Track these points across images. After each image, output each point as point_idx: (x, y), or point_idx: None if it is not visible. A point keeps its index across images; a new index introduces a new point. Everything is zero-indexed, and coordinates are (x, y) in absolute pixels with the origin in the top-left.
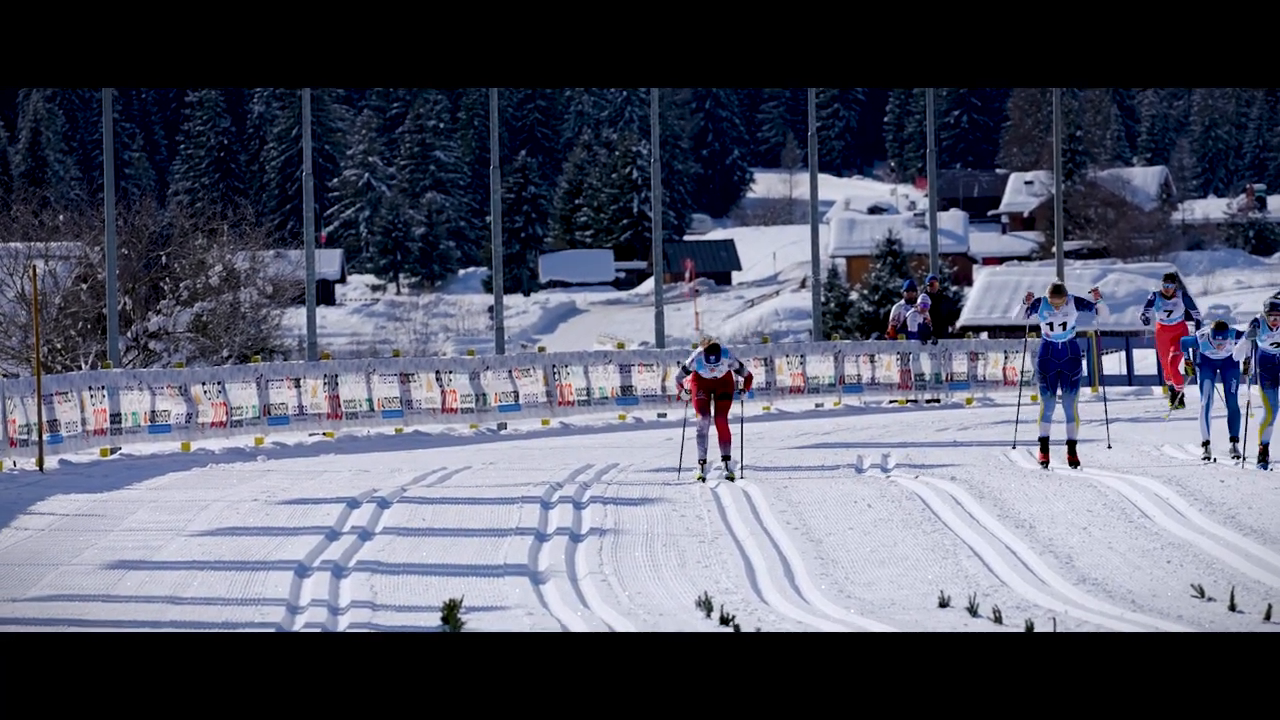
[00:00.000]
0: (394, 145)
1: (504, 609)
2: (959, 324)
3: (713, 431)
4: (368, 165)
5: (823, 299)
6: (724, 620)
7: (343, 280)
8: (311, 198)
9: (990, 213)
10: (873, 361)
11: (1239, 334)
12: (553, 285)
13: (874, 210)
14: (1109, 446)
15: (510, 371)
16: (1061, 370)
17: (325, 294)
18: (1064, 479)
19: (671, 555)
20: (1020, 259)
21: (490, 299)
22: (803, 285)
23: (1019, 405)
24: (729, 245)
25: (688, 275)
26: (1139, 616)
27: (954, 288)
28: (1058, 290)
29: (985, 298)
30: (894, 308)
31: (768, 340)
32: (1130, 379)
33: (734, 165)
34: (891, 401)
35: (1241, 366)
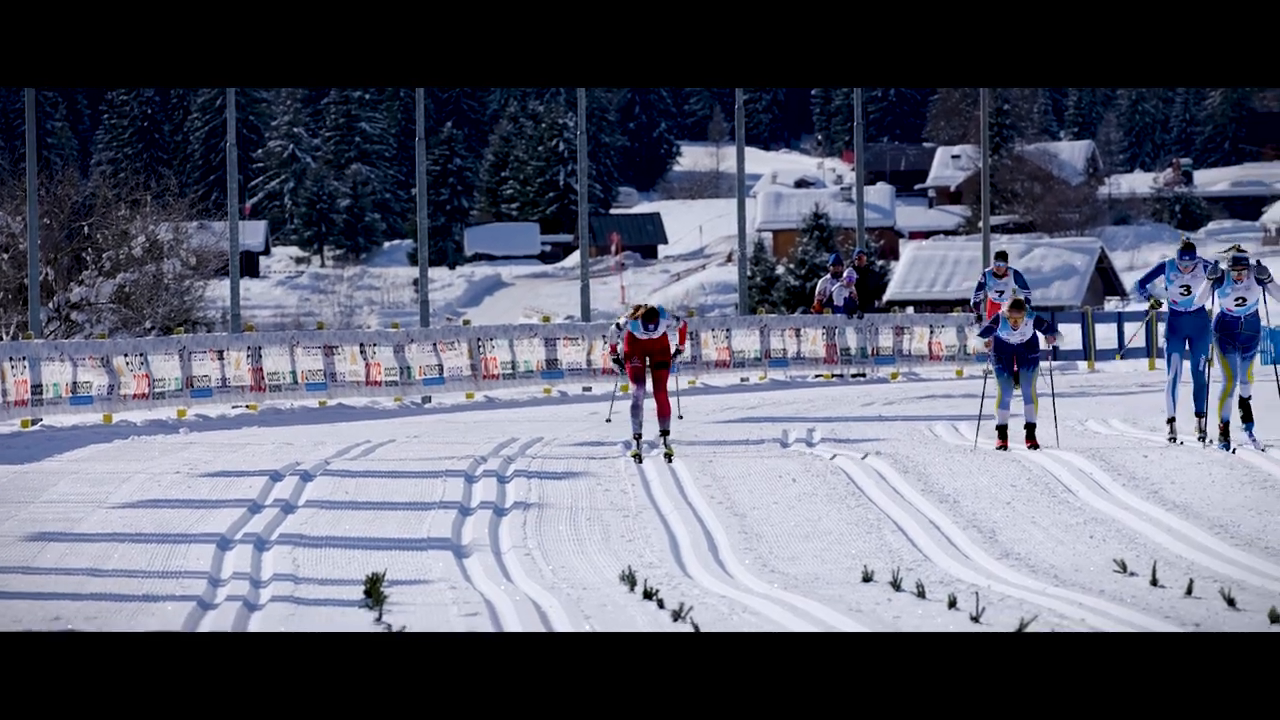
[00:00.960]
0: (319, 117)
1: (427, 583)
2: (885, 298)
3: (650, 404)
4: (292, 137)
5: (749, 273)
6: (648, 595)
7: (267, 252)
8: (236, 169)
9: (917, 187)
10: (799, 336)
11: (1208, 263)
12: (478, 258)
13: (801, 184)
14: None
15: (435, 345)
16: (1017, 353)
17: (249, 266)
18: (987, 455)
19: (595, 529)
20: (947, 233)
21: (415, 272)
22: (729, 259)
23: (982, 396)
24: (655, 219)
25: (614, 249)
26: (1061, 591)
27: (881, 262)
28: (1016, 306)
29: (912, 272)
30: (820, 282)
31: (694, 314)
32: (1054, 354)
33: (660, 138)
34: (817, 376)
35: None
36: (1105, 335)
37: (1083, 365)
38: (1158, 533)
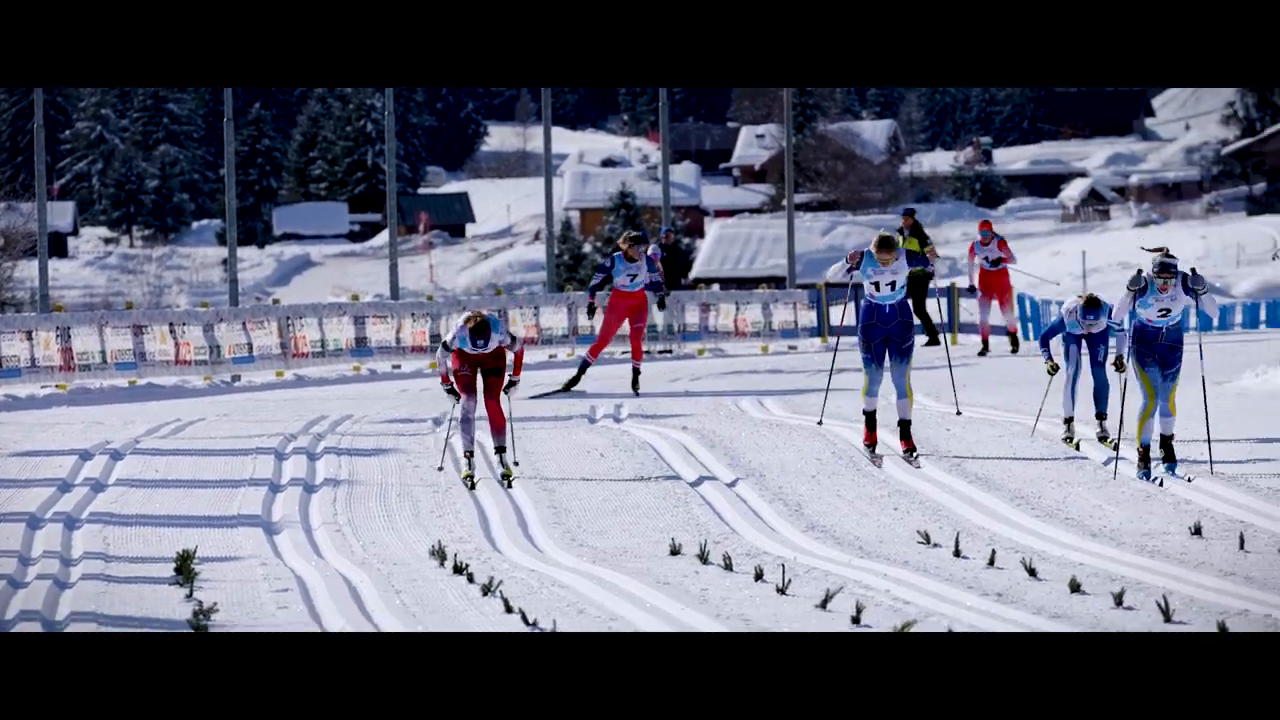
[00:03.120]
0: (126, 98)
1: (238, 559)
2: (692, 276)
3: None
4: (100, 118)
5: (556, 251)
6: (458, 569)
7: (75, 233)
8: (43, 150)
9: (722, 166)
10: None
11: (1112, 325)
12: (287, 238)
13: (607, 163)
14: (958, 413)
15: (244, 324)
16: (889, 337)
17: (57, 246)
18: (793, 428)
19: (405, 505)
20: (752, 211)
21: (224, 251)
22: (536, 238)
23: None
24: (463, 198)
25: (422, 228)
26: (866, 562)
27: (686, 240)
28: (885, 243)
29: (717, 250)
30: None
31: (501, 292)
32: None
33: (468, 118)
34: (624, 352)
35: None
36: None
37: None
38: (960, 505)
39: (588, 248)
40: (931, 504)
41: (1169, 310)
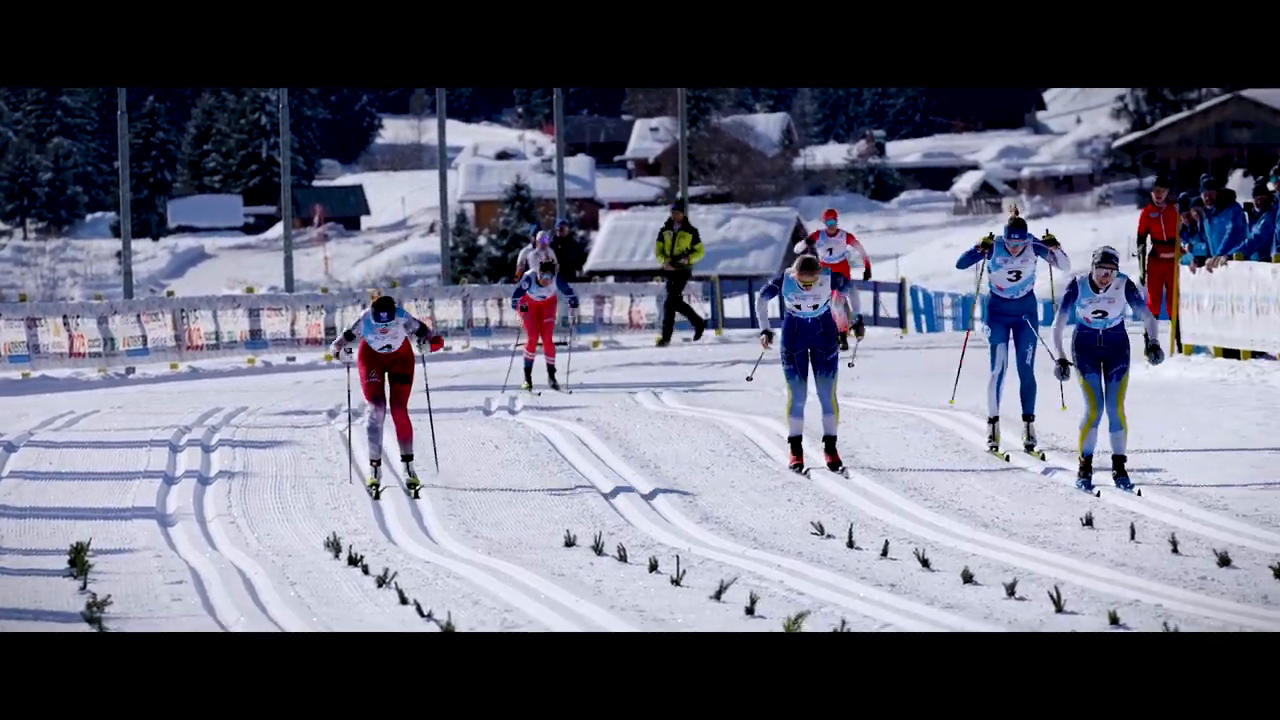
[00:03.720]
0: (19, 90)
1: (132, 551)
2: (586, 268)
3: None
4: None
5: (451, 244)
6: (353, 561)
7: None
8: None
9: (616, 158)
10: (500, 305)
11: (1040, 244)
12: (181, 230)
13: (502, 156)
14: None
15: (138, 316)
16: (813, 348)
17: None
18: (687, 420)
19: (300, 497)
20: (646, 204)
21: (118, 244)
22: (431, 230)
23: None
24: (358, 191)
25: (316, 220)
26: (761, 553)
27: (581, 232)
28: (808, 266)
29: (612, 242)
30: (522, 253)
31: (397, 284)
32: (753, 322)
33: (363, 111)
34: (520, 344)
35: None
36: None
37: (779, 333)
38: (854, 496)
39: (483, 240)
40: (825, 495)
41: (1105, 312)
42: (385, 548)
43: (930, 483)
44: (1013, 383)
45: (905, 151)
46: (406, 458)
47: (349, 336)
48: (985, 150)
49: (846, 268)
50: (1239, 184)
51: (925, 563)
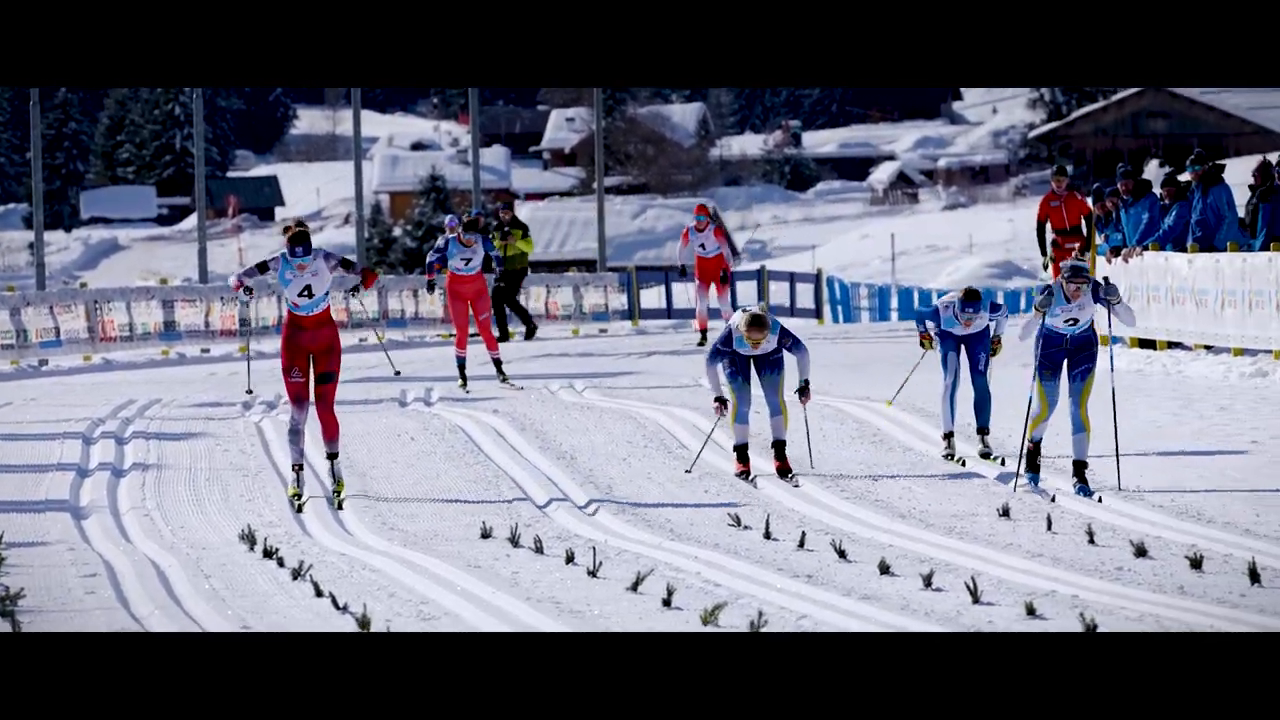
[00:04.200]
0: None
1: (45, 544)
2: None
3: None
4: None
5: (366, 235)
6: (268, 554)
7: None
8: None
9: (532, 149)
10: (416, 297)
11: (996, 306)
12: (95, 221)
13: (417, 146)
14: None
15: (51, 308)
16: (754, 356)
17: None
18: (604, 411)
19: (215, 489)
20: (562, 194)
21: (31, 235)
22: (346, 221)
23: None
24: (273, 181)
25: (231, 211)
26: (678, 545)
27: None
28: (756, 323)
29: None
30: (438, 242)
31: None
32: (669, 313)
33: (277, 102)
34: (436, 336)
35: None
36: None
37: (694, 323)
38: (770, 487)
39: (398, 231)
40: (742, 487)
41: (1077, 320)
42: (300, 540)
43: (847, 474)
44: (966, 394)
45: (821, 142)
46: (331, 456)
47: (260, 267)
48: (901, 140)
49: (724, 260)
50: (1155, 174)
51: (842, 554)
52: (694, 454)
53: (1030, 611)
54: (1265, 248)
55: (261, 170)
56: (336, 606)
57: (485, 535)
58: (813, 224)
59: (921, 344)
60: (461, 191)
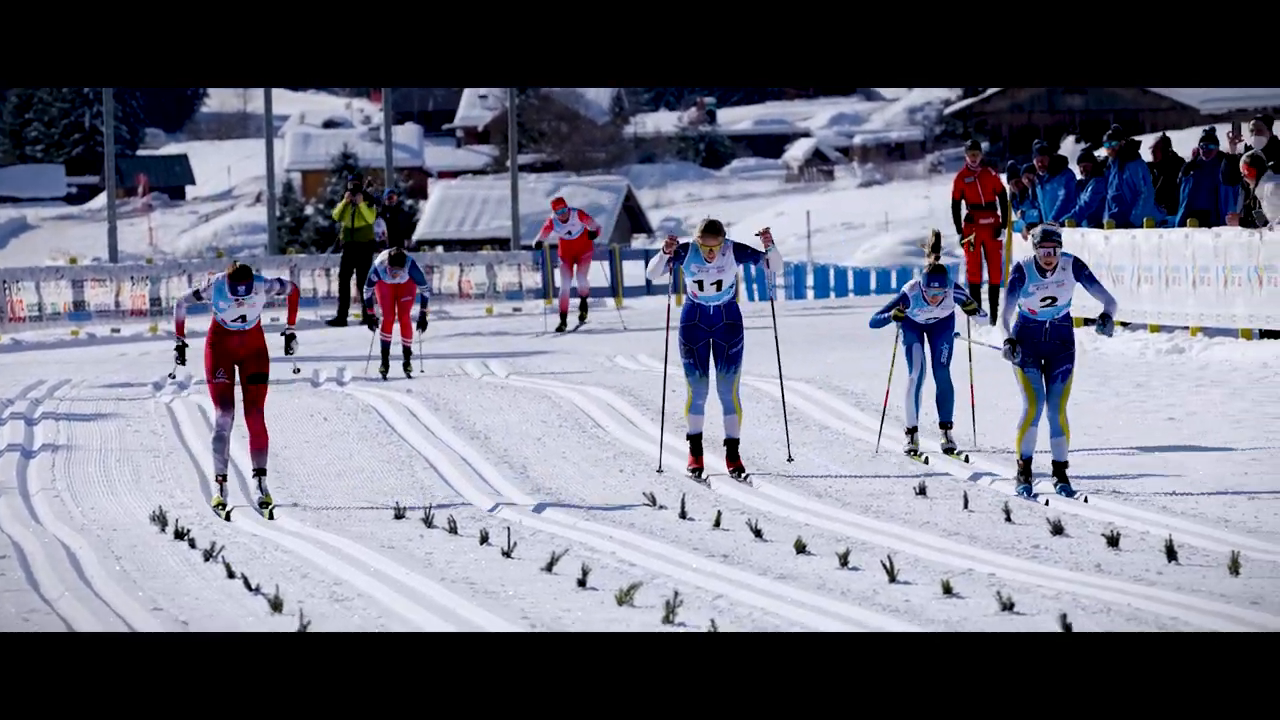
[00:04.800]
0: None
1: None
2: (415, 238)
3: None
4: None
5: (278, 213)
6: (179, 535)
7: None
8: None
9: (445, 127)
10: (328, 275)
11: (959, 293)
12: (3, 201)
13: (329, 125)
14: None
15: None
16: (715, 340)
17: None
18: (518, 390)
19: (125, 470)
20: (476, 173)
21: None
22: (258, 200)
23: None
24: (183, 160)
25: (141, 190)
26: (593, 525)
27: (410, 201)
28: (712, 228)
29: (441, 211)
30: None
31: (222, 254)
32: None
33: None
34: (352, 315)
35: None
36: (633, 272)
37: (610, 302)
38: (685, 466)
39: (310, 210)
40: (656, 465)
41: (1055, 299)
42: (212, 521)
43: (763, 453)
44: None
45: (736, 119)
46: (259, 472)
47: (196, 296)
48: (817, 117)
49: (587, 239)
50: (1072, 150)
51: (758, 533)
52: (657, 455)
53: (947, 590)
54: (1183, 224)
55: (172, 149)
56: (249, 588)
57: (399, 516)
58: (728, 201)
59: (896, 318)
60: (374, 169)
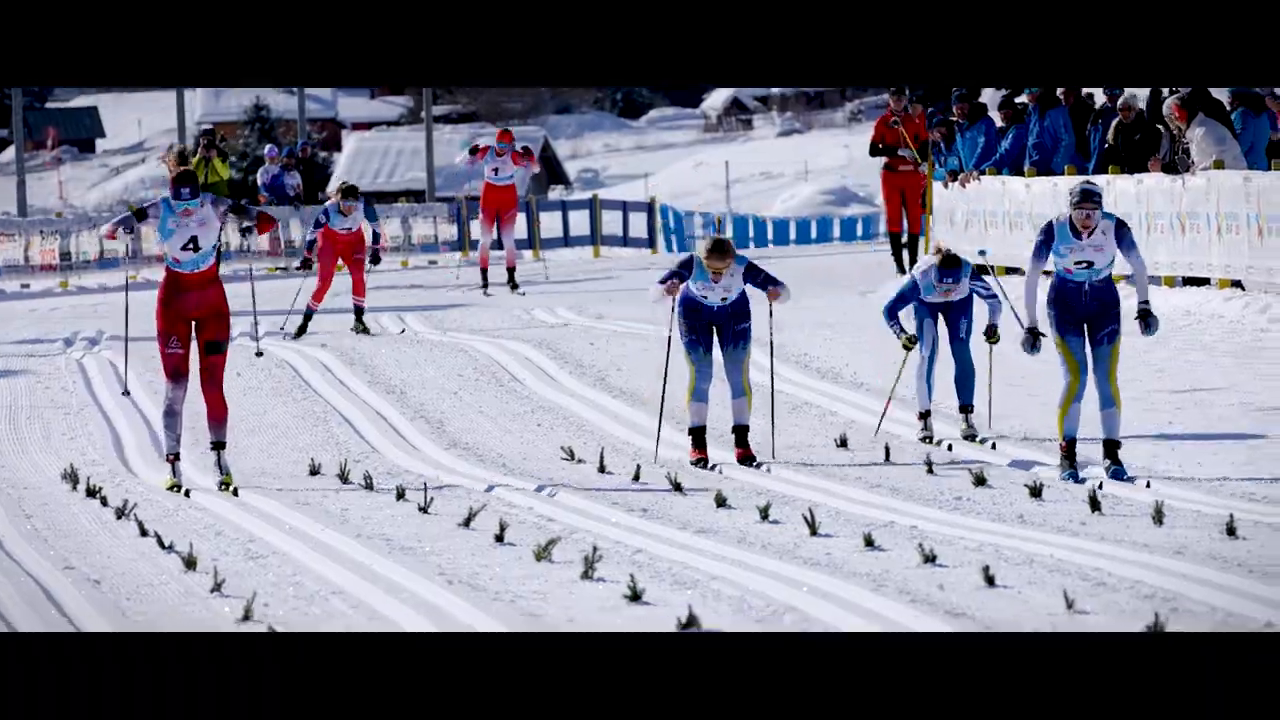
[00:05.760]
0: None
1: None
2: (329, 190)
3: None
4: None
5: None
6: (90, 492)
7: None
8: None
9: None
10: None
11: (990, 294)
12: None
13: None
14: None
15: None
16: (716, 322)
17: None
18: (434, 344)
19: (36, 428)
20: (390, 124)
21: None
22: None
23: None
24: (93, 112)
25: (50, 144)
26: (510, 479)
27: (324, 154)
28: (719, 249)
29: (355, 163)
30: (260, 173)
31: (133, 208)
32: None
33: None
34: (263, 269)
35: (1023, 312)
36: (550, 225)
37: (528, 254)
38: (605, 420)
39: None
40: (576, 419)
41: (1091, 262)
42: (124, 479)
43: (683, 405)
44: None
45: None
46: (217, 445)
47: (139, 214)
48: None
49: (514, 193)
50: (992, 97)
51: (678, 487)
52: (654, 443)
53: (869, 543)
54: (1102, 170)
55: (82, 101)
56: (162, 546)
57: (314, 472)
58: (645, 152)
59: (905, 347)
60: (287, 121)
